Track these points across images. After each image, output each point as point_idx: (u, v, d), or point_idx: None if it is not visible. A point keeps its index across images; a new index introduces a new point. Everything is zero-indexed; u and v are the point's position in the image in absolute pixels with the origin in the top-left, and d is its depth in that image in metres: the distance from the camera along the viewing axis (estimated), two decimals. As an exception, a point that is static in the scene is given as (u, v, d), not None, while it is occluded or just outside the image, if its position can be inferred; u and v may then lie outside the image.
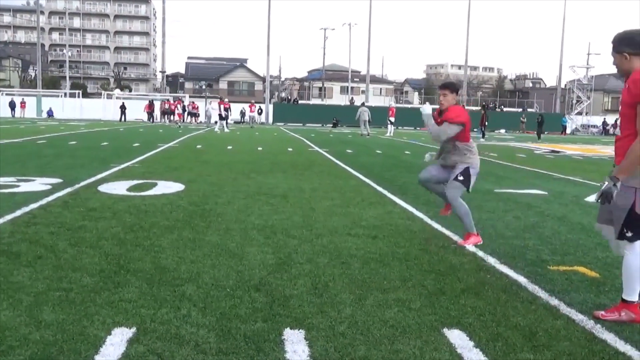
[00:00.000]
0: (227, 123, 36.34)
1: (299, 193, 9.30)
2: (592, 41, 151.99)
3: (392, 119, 37.24)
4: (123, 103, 53.72)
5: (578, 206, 8.98)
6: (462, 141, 5.99)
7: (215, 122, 37.22)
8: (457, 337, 3.53)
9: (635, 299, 3.94)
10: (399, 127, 56.32)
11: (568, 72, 72.93)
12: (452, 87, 6.10)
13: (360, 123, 35.54)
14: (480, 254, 5.63)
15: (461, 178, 5.93)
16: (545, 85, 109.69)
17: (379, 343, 3.41)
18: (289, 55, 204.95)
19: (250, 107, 49.95)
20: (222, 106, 35.94)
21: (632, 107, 3.76)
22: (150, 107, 53.21)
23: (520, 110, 73.16)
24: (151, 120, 52.06)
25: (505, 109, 73.45)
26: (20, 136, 22.77)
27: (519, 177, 13.32)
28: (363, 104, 39.62)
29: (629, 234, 3.83)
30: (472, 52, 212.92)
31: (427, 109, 6.12)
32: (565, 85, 74.53)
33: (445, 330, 3.63)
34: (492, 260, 5.39)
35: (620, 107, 3.96)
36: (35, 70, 71.88)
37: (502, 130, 55.66)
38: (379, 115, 46.30)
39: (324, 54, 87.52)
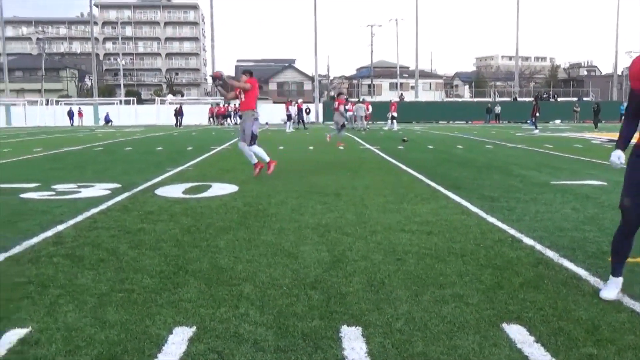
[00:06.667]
0: (292, 123, 39.18)
1: (352, 191, 9.30)
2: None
3: (395, 114, 38.84)
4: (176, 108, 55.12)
5: None
6: None
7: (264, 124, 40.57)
8: (516, 332, 3.47)
9: (267, 159, 10.20)
10: (450, 122, 55.66)
11: (624, 58, 70.74)
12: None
13: (358, 119, 37.15)
14: (539, 247, 5.52)
15: None
16: (601, 73, 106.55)
17: (437, 339, 3.39)
18: (337, 54, 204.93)
19: (350, 104, 40.26)
20: (290, 107, 39.31)
21: None
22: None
23: (575, 99, 71.35)
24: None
25: (559, 99, 71.69)
26: (79, 144, 23.49)
27: (576, 167, 12.98)
28: (362, 101, 42.15)
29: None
30: (523, 41, 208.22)
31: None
32: (622, 72, 72.25)
33: (505, 325, 3.58)
34: (550, 254, 5.28)
35: None
36: (91, 79, 73.96)
37: (557, 121, 54.38)
38: (429, 111, 45.51)
39: (372, 51, 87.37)
